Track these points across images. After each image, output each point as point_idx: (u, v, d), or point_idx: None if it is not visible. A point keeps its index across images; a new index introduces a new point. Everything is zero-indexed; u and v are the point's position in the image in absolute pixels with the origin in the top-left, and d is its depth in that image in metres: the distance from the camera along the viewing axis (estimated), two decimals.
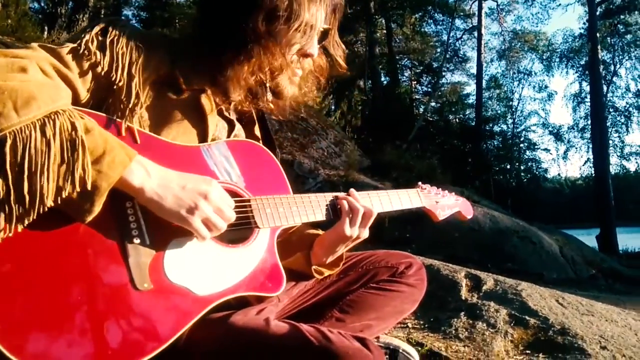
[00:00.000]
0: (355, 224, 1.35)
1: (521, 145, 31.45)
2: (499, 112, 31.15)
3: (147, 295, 0.97)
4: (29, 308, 0.86)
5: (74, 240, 0.93)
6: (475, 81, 26.30)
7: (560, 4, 27.39)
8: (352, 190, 1.44)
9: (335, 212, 1.37)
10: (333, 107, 16.87)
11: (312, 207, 1.33)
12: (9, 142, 0.84)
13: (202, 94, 1.21)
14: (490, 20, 26.99)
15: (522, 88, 31.26)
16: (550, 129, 31.26)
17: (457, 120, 29.89)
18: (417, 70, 27.65)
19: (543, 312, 2.36)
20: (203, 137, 1.21)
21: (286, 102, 1.37)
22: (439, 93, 27.60)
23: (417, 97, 26.95)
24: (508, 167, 30.86)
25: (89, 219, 0.93)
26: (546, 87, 30.10)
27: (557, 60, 28.32)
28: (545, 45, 28.47)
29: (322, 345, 0.99)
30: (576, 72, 28.16)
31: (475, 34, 24.12)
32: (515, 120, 31.05)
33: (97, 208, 0.92)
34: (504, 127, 30.98)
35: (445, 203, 1.89)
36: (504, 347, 2.07)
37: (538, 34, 28.20)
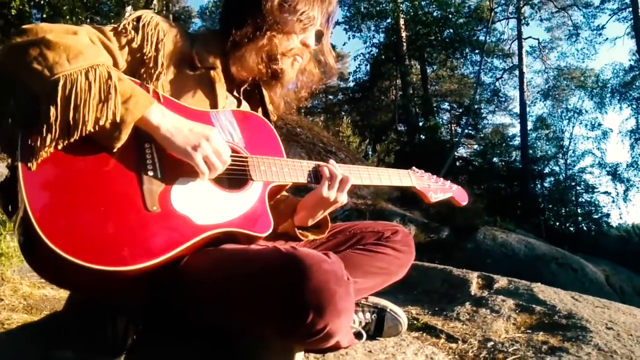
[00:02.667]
0: (333, 188, 1.52)
1: (577, 187, 30.00)
2: (549, 152, 30.18)
3: (155, 215, 1.17)
4: (69, 206, 1.09)
5: (105, 166, 1.17)
6: (519, 121, 25.86)
7: (607, 38, 26.63)
8: (331, 160, 1.62)
9: (316, 177, 1.54)
10: (370, 153, 17.07)
11: (302, 170, 1.51)
12: (61, 82, 1.10)
13: (213, 71, 1.47)
14: (532, 59, 26.79)
15: (573, 127, 30.25)
16: (607, 169, 29.71)
17: (502, 162, 29.28)
18: (456, 113, 27.56)
19: (552, 302, 2.29)
20: (214, 107, 1.46)
21: (283, 89, 1.65)
22: (481, 135, 27.35)
23: (457, 139, 26.73)
24: (563, 211, 29.48)
25: (118, 145, 1.17)
26: (599, 124, 28.81)
27: (609, 95, 27.37)
28: (594, 81, 27.61)
29: (288, 251, 1.12)
30: (630, 106, 27.04)
31: (516, 72, 23.96)
32: (568, 161, 29.95)
33: (124, 137, 1.17)
34: (556, 168, 29.93)
35: (438, 187, 1.94)
36: (505, 328, 2.02)
37: (585, 70, 27.48)
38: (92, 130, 1.12)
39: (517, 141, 28.06)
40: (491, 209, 13.98)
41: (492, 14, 16.75)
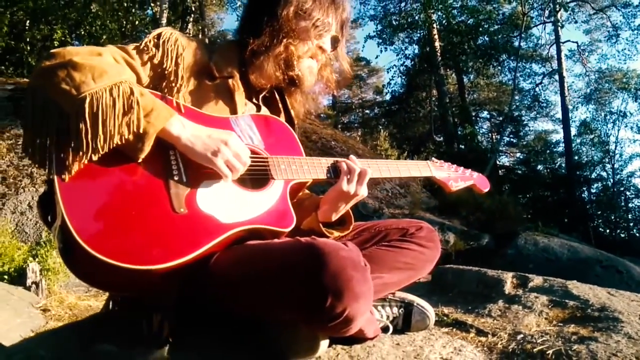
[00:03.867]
0: (352, 181, 1.58)
1: (627, 192, 28.84)
2: (594, 158, 29.20)
3: (182, 216, 1.25)
4: (102, 212, 1.18)
5: (133, 174, 1.27)
6: (562, 127, 25.17)
7: None
8: (351, 156, 1.68)
9: (335, 172, 1.60)
10: None
11: (322, 167, 1.60)
12: (87, 100, 1.20)
13: (231, 80, 1.56)
14: (571, 62, 26.08)
15: (618, 130, 29.24)
16: None
17: (547, 170, 28.50)
18: (496, 121, 27.10)
19: (585, 297, 2.27)
20: (233, 114, 1.54)
21: (303, 96, 1.75)
22: (524, 142, 26.79)
23: (496, 146, 26.20)
24: (612, 217, 28.39)
25: (142, 156, 1.26)
26: None
27: None
28: (638, 83, 26.61)
29: (308, 241, 1.19)
30: None
31: (556, 77, 23.40)
32: (615, 166, 28.89)
33: (147, 148, 1.26)
34: (603, 173, 28.89)
35: (458, 176, 1.97)
36: (536, 322, 2.03)
37: (627, 72, 26.53)
38: (119, 142, 1.22)
39: (561, 147, 27.30)
40: (538, 217, 13.65)
41: (526, 19, 16.47)
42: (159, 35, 1.49)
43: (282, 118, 1.72)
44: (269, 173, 1.47)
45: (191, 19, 12.24)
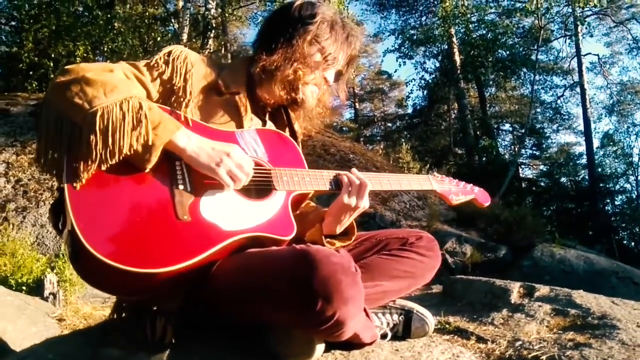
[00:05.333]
0: (352, 194, 1.64)
1: None
2: (618, 169, 28.70)
3: (186, 223, 1.31)
4: (109, 218, 1.25)
5: (140, 183, 1.34)
6: (584, 139, 24.84)
7: None
8: (353, 169, 1.74)
9: (337, 185, 1.67)
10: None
11: (323, 179, 1.66)
12: (99, 113, 1.28)
13: (238, 95, 1.65)
14: (592, 75, 25.87)
15: None
16: None
17: (570, 182, 28.08)
18: (519, 134, 26.86)
19: (587, 305, 2.31)
20: (239, 128, 1.62)
21: (304, 115, 1.83)
22: (546, 155, 26.50)
23: (521, 160, 25.90)
24: (637, 229, 27.80)
25: (149, 166, 1.34)
26: None
27: None
28: None
29: (302, 248, 1.27)
30: None
31: (578, 89, 23.18)
32: (638, 178, 28.36)
33: (154, 159, 1.34)
34: (627, 185, 28.37)
35: (459, 190, 2.04)
36: (537, 330, 2.08)
37: None
38: (127, 153, 1.29)
39: (584, 159, 26.92)
40: (562, 230, 13.49)
41: (543, 32, 16.35)
42: (169, 53, 1.57)
43: (287, 132, 1.81)
44: (272, 184, 1.54)
45: (212, 35, 12.48)
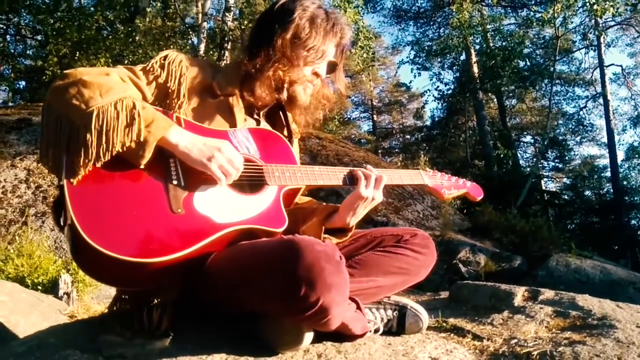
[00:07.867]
0: (369, 186, 1.72)
1: None
2: None
3: (180, 216, 1.38)
4: (106, 212, 1.31)
5: (136, 179, 1.40)
6: (608, 151, 24.41)
7: None
8: (367, 165, 1.82)
9: (352, 180, 1.76)
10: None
11: (314, 174, 1.71)
12: (95, 113, 1.35)
13: (231, 97, 1.71)
14: (616, 86, 25.50)
15: None
16: None
17: (595, 195, 27.58)
18: (540, 146, 26.52)
19: (589, 307, 2.29)
20: (233, 128, 1.67)
21: (301, 110, 1.87)
22: (569, 167, 26.13)
23: (544, 173, 25.55)
24: None
25: (143, 162, 1.40)
26: None
27: None
28: None
29: (289, 238, 1.32)
30: None
31: (601, 101, 22.86)
32: None
33: (148, 155, 1.40)
34: None
35: (451, 184, 2.05)
36: (535, 330, 2.06)
37: None
38: (121, 150, 1.37)
39: (608, 172, 26.45)
40: (585, 244, 13.26)
41: (564, 42, 16.24)
42: (165, 57, 1.64)
43: (284, 131, 1.86)
44: (264, 179, 1.59)
45: (228, 47, 12.69)
